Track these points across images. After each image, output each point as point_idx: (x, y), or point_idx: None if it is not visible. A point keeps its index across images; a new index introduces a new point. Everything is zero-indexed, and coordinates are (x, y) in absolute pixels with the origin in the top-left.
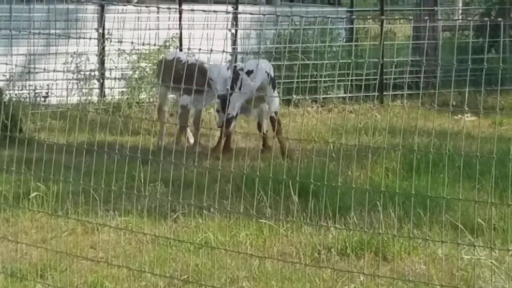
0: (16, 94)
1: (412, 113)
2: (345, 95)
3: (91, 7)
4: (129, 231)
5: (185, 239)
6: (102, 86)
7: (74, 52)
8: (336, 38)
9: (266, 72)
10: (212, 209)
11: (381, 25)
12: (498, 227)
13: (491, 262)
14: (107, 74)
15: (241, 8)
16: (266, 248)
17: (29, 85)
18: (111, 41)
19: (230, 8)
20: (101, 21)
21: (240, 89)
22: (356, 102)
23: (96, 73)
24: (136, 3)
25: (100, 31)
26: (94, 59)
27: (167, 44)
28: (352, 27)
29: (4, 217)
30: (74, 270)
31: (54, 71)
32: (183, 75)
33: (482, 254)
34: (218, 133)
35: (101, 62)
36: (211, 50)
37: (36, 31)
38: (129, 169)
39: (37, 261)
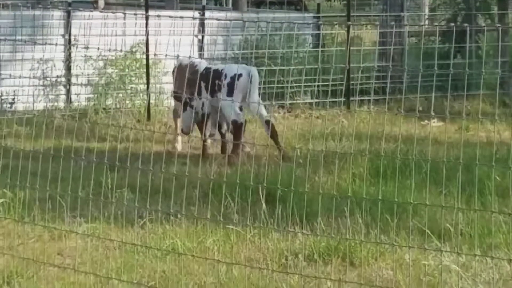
0: None
1: (378, 118)
2: (312, 100)
3: (57, 14)
4: (96, 238)
5: (152, 245)
6: (68, 92)
7: (41, 58)
8: (303, 44)
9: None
10: (179, 215)
11: (348, 31)
12: (465, 232)
13: (458, 268)
14: (73, 80)
15: (207, 14)
16: (233, 254)
17: None
18: (77, 47)
19: (196, 14)
20: (67, 27)
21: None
22: (323, 108)
23: (63, 79)
24: (103, 9)
25: (67, 37)
26: (60, 65)
27: (134, 50)
28: (319, 33)
29: None
30: (41, 277)
31: (20, 77)
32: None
33: (449, 259)
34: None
35: (68, 68)
36: (178, 56)
37: (2, 37)
38: (96, 175)
39: (4, 268)
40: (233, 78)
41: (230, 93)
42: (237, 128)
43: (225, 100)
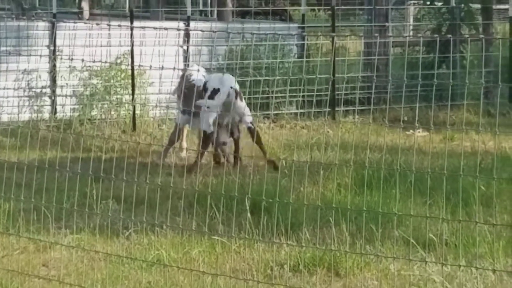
0: None
1: (364, 128)
2: (297, 111)
3: (42, 24)
4: (81, 249)
5: (138, 257)
6: (53, 103)
7: (25, 69)
8: (288, 54)
9: (231, 87)
10: (164, 226)
11: (332, 42)
12: (450, 242)
13: (443, 278)
14: (58, 91)
15: (192, 24)
16: (218, 265)
17: None
18: (62, 58)
19: (181, 24)
20: (52, 38)
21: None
22: (308, 118)
23: (48, 90)
24: (88, 20)
25: (51, 48)
26: (45, 76)
27: (119, 61)
28: (304, 43)
29: None
30: None
31: (5, 88)
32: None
33: (434, 269)
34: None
35: (53, 79)
36: (162, 67)
37: None
38: (81, 186)
39: None
40: (213, 92)
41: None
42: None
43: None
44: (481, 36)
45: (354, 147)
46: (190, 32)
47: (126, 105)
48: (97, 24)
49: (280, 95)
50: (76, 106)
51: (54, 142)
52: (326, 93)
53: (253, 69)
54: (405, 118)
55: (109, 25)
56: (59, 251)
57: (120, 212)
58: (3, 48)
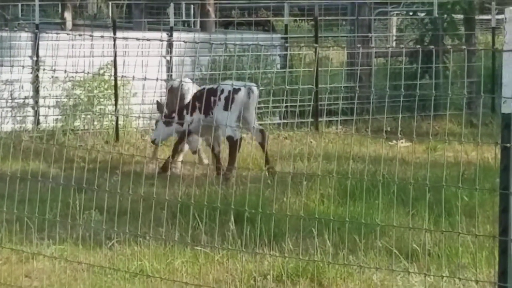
0: None
1: (347, 139)
2: (280, 121)
3: (24, 35)
4: (64, 260)
5: (121, 267)
6: (36, 113)
7: (8, 80)
8: (271, 65)
9: None
10: (147, 237)
11: (315, 52)
12: (433, 252)
13: None
14: (41, 101)
15: (175, 35)
16: (201, 275)
17: None
18: (44, 69)
19: (164, 35)
20: (34, 48)
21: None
22: (291, 129)
23: (30, 100)
24: (70, 30)
25: (34, 58)
26: (28, 86)
27: (102, 71)
28: (287, 54)
29: None
30: None
31: None
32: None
33: (417, 279)
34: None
35: (35, 90)
36: (145, 78)
37: None
38: (64, 197)
39: None
40: (230, 92)
41: (226, 107)
42: (233, 145)
43: (220, 116)
44: (464, 46)
45: (337, 157)
46: (173, 42)
47: (109, 115)
48: (80, 34)
49: (263, 105)
50: (59, 117)
51: (37, 153)
52: (309, 103)
53: (236, 79)
54: (388, 129)
55: (91, 35)
56: (42, 262)
57: (103, 222)
58: None
